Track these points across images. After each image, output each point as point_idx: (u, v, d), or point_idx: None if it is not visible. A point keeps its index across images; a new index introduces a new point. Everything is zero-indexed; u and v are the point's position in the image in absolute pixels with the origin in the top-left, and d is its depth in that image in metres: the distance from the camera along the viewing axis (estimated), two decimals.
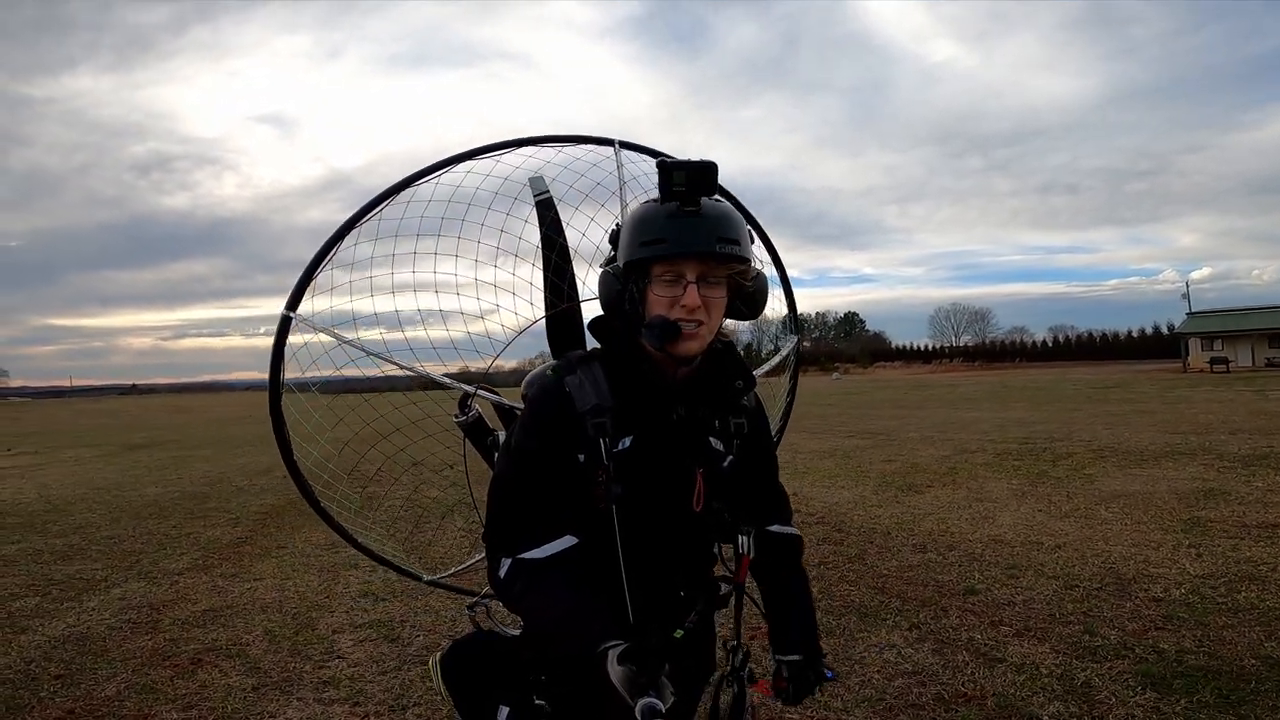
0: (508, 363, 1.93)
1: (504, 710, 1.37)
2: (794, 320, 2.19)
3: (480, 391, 1.76)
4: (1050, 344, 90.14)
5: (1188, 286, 57.30)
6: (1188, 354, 46.97)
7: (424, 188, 1.82)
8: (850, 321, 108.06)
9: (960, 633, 3.89)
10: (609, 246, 1.44)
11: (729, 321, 1.41)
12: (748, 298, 1.36)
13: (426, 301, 1.87)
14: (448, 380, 1.80)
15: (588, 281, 1.80)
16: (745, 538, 1.46)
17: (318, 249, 1.77)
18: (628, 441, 1.32)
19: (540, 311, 1.83)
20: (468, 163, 1.83)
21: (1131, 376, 36.70)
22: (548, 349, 1.79)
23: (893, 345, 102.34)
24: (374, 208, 1.79)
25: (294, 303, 1.78)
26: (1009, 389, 30.03)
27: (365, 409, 2.08)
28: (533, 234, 1.84)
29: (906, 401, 25.49)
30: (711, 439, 1.41)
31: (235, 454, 15.52)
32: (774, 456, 1.60)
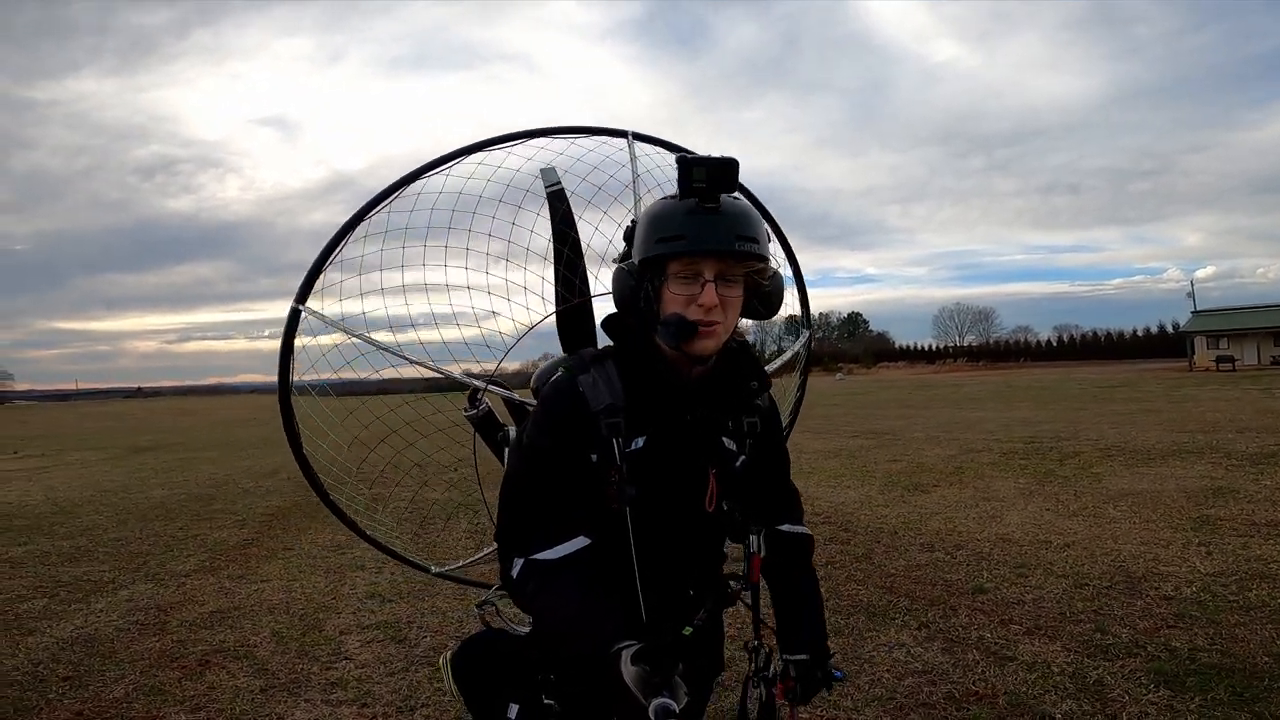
0: (510, 364, 1.91)
1: (514, 708, 1.37)
2: (806, 316, 2.18)
3: (490, 387, 1.74)
4: (1055, 343, 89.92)
5: (1192, 285, 57.56)
6: (1193, 353, 46.80)
7: (434, 180, 1.80)
8: (854, 322, 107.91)
9: (970, 631, 3.87)
10: (623, 242, 1.43)
11: (743, 320, 1.40)
12: (764, 297, 1.35)
13: (435, 299, 1.85)
14: (457, 374, 1.78)
15: (600, 277, 1.78)
16: (756, 537, 1.45)
17: (326, 243, 1.75)
18: (641, 441, 1.30)
19: (545, 310, 1.82)
20: (479, 155, 1.81)
21: (1137, 376, 36.57)
22: (550, 350, 1.77)
23: (896, 345, 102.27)
24: (384, 199, 1.77)
25: (303, 296, 1.77)
26: (1014, 389, 29.95)
27: (372, 410, 2.07)
28: (542, 230, 1.82)
29: (911, 401, 25.43)
30: (724, 439, 1.40)
31: (241, 456, 15.56)
32: (786, 455, 1.59)
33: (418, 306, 1.87)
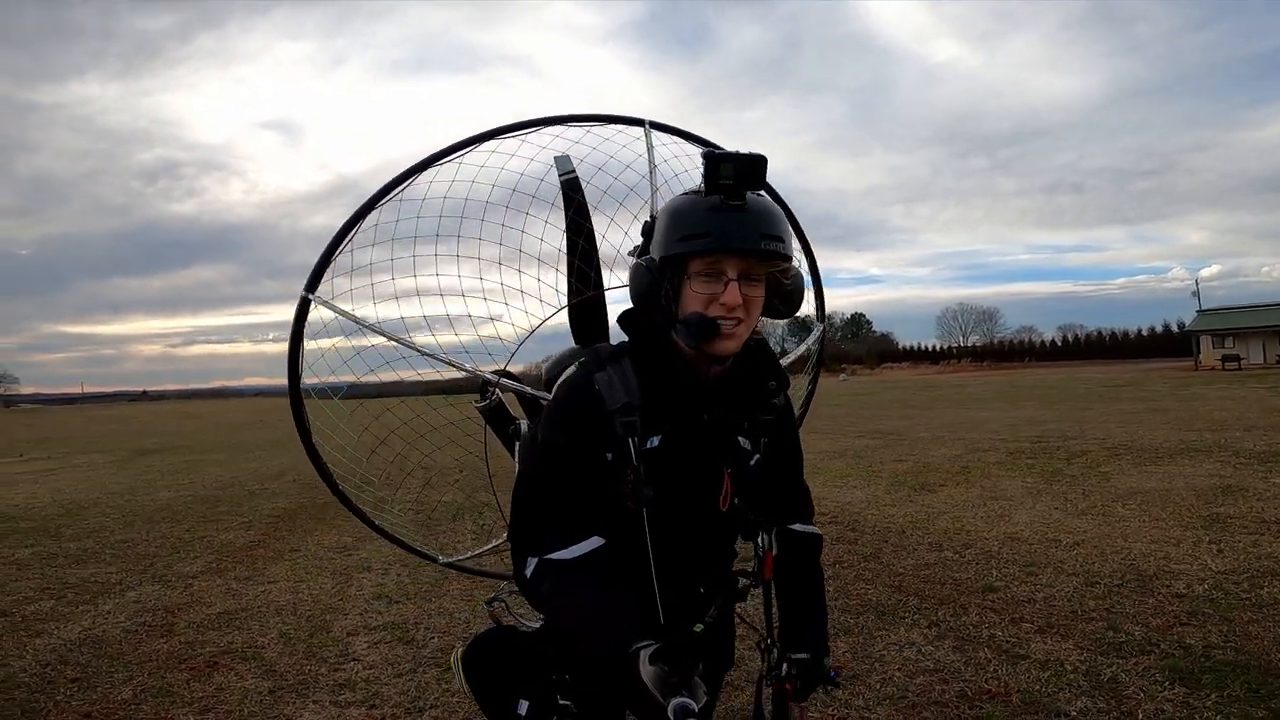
0: (513, 366, 1.89)
1: (524, 704, 1.36)
2: (820, 310, 2.16)
3: (502, 381, 1.72)
4: (1059, 343, 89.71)
5: (1197, 284, 56.77)
6: (1199, 352, 46.59)
7: (446, 168, 1.77)
8: (857, 323, 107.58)
9: (981, 630, 3.84)
10: (640, 236, 1.40)
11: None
12: (785, 295, 1.33)
13: (440, 296, 1.83)
14: (468, 367, 1.76)
15: (614, 270, 1.76)
16: (768, 535, 1.44)
17: (337, 230, 1.72)
18: (656, 440, 1.29)
19: (550, 310, 1.80)
20: (491, 143, 1.77)
21: (1143, 375, 36.44)
22: (553, 353, 1.74)
23: (900, 346, 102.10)
24: (396, 186, 1.74)
25: (313, 284, 1.74)
26: (1019, 388, 29.86)
27: (380, 411, 2.04)
28: (555, 219, 1.79)
29: (915, 402, 25.37)
30: (740, 438, 1.39)
31: (246, 459, 15.58)
32: (800, 454, 1.57)
33: (429, 303, 1.84)
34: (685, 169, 1.91)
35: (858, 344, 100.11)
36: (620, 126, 1.92)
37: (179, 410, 62.00)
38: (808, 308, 2.17)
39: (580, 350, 1.66)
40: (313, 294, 1.73)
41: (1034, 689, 3.14)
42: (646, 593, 1.28)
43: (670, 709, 1.04)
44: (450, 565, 2.11)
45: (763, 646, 1.45)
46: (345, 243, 1.73)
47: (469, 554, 2.13)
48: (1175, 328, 71.44)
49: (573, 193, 1.78)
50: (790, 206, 1.98)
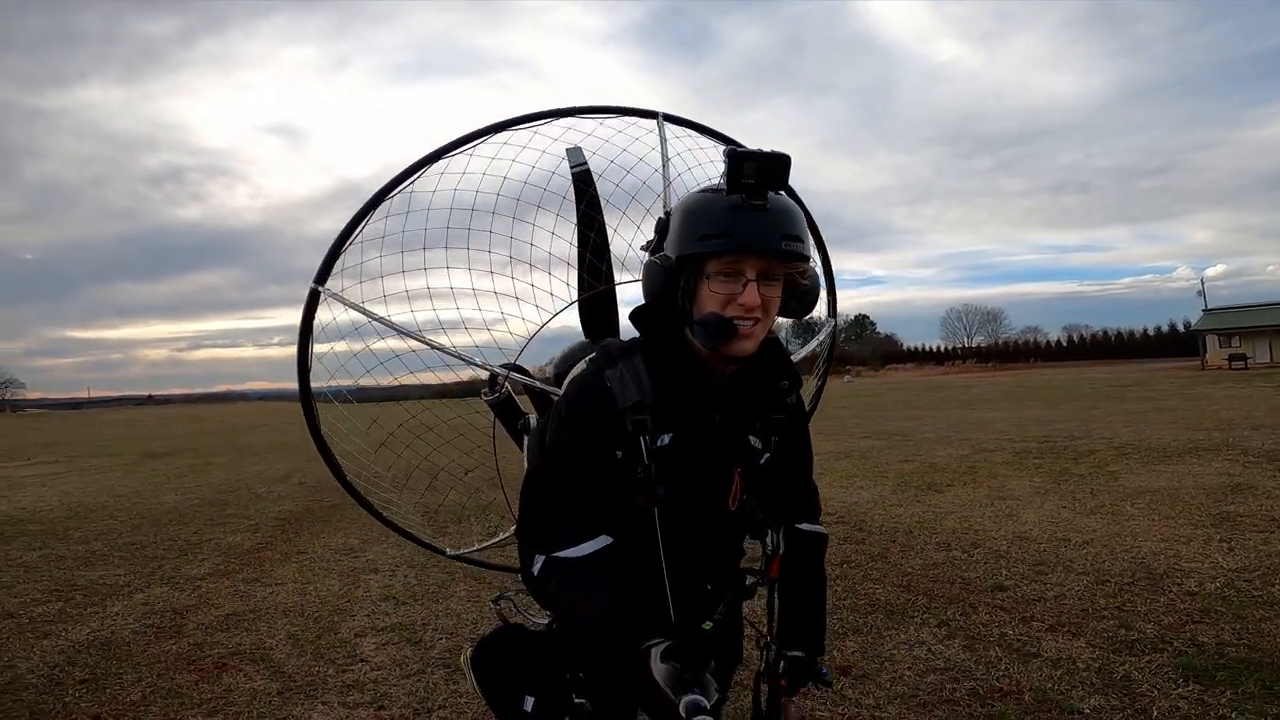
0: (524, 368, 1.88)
1: (530, 700, 1.35)
2: (832, 304, 2.15)
3: (513, 374, 1.71)
4: (1065, 343, 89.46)
5: (1203, 283, 56.70)
6: (1205, 351, 46.43)
7: (457, 160, 1.75)
8: (861, 324, 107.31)
9: (991, 629, 3.82)
10: (654, 233, 1.38)
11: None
12: (802, 295, 1.31)
13: (444, 294, 1.80)
14: (477, 360, 1.75)
15: (626, 263, 1.75)
16: (776, 535, 1.43)
17: (347, 222, 1.71)
18: (667, 439, 1.28)
19: (561, 305, 1.79)
20: (503, 134, 1.76)
21: (1149, 375, 36.29)
22: (556, 357, 1.73)
23: (904, 347, 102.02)
24: (407, 178, 1.73)
25: (322, 276, 1.73)
26: (1025, 389, 29.77)
27: (386, 415, 2.04)
28: (563, 220, 1.79)
29: (921, 402, 25.30)
30: (750, 437, 1.38)
31: (252, 461, 15.61)
32: (810, 453, 1.57)
33: (438, 300, 1.82)
34: (699, 163, 1.89)
35: (862, 345, 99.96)
36: (633, 119, 1.90)
37: (185, 414, 62.14)
38: (815, 309, 2.17)
39: (590, 345, 1.65)
40: (322, 286, 1.72)
41: (1046, 687, 3.12)
42: (657, 591, 1.27)
43: (682, 706, 1.04)
44: (458, 557, 2.10)
45: (761, 644, 1.46)
46: (355, 234, 1.71)
47: (475, 546, 2.11)
48: (1181, 327, 71.28)
49: (585, 185, 1.76)
50: (804, 202, 1.97)
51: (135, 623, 4.64)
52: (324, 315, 1.78)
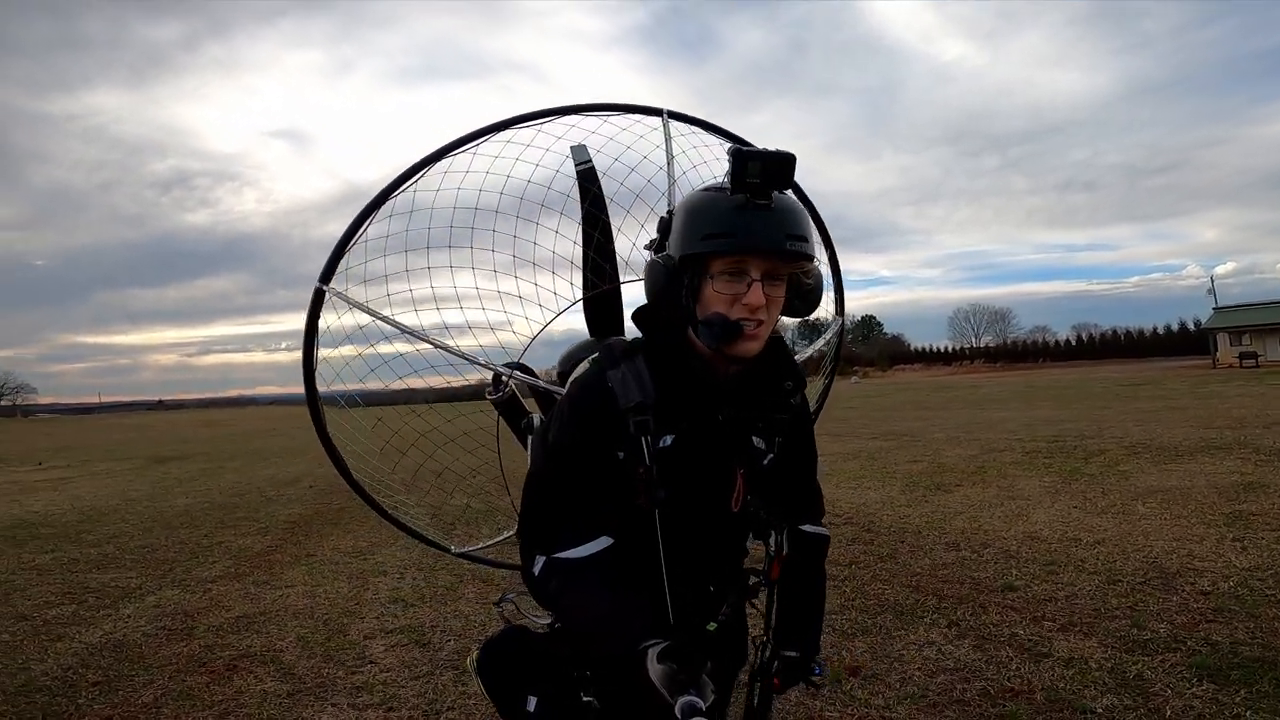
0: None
1: (533, 700, 1.35)
2: (839, 303, 2.14)
3: (516, 374, 1.70)
4: (1074, 343, 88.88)
5: (1212, 281, 56.19)
6: (1216, 349, 46.02)
7: (461, 158, 1.74)
8: (868, 325, 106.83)
9: (1002, 629, 3.80)
10: (656, 231, 1.37)
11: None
12: (806, 294, 1.30)
13: (448, 294, 1.80)
14: (481, 360, 1.74)
15: (630, 261, 1.74)
16: (779, 536, 1.43)
17: (351, 221, 1.71)
18: (669, 439, 1.28)
19: (565, 304, 1.78)
20: (506, 133, 1.75)
21: (1159, 374, 36.01)
22: (558, 359, 1.72)
23: (912, 347, 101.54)
24: (411, 177, 1.72)
25: (327, 276, 1.72)
26: (1034, 388, 29.59)
27: (391, 416, 2.03)
28: (567, 220, 1.78)
29: (929, 403, 25.19)
30: (754, 437, 1.37)
31: (262, 465, 15.69)
32: (815, 453, 1.56)
33: (443, 302, 1.82)
34: (704, 160, 1.87)
35: (869, 346, 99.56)
36: (637, 116, 1.88)
37: (195, 419, 62.58)
38: (821, 309, 2.16)
39: (594, 344, 1.65)
40: (327, 285, 1.71)
41: (1058, 686, 3.10)
42: (657, 592, 1.27)
43: (678, 707, 1.03)
44: (463, 555, 2.09)
45: (758, 644, 1.46)
46: (359, 233, 1.71)
47: (480, 545, 2.11)
48: (1191, 326, 70.65)
49: (589, 183, 1.76)
50: (812, 201, 1.96)
51: (147, 625, 4.68)
52: (329, 315, 1.78)
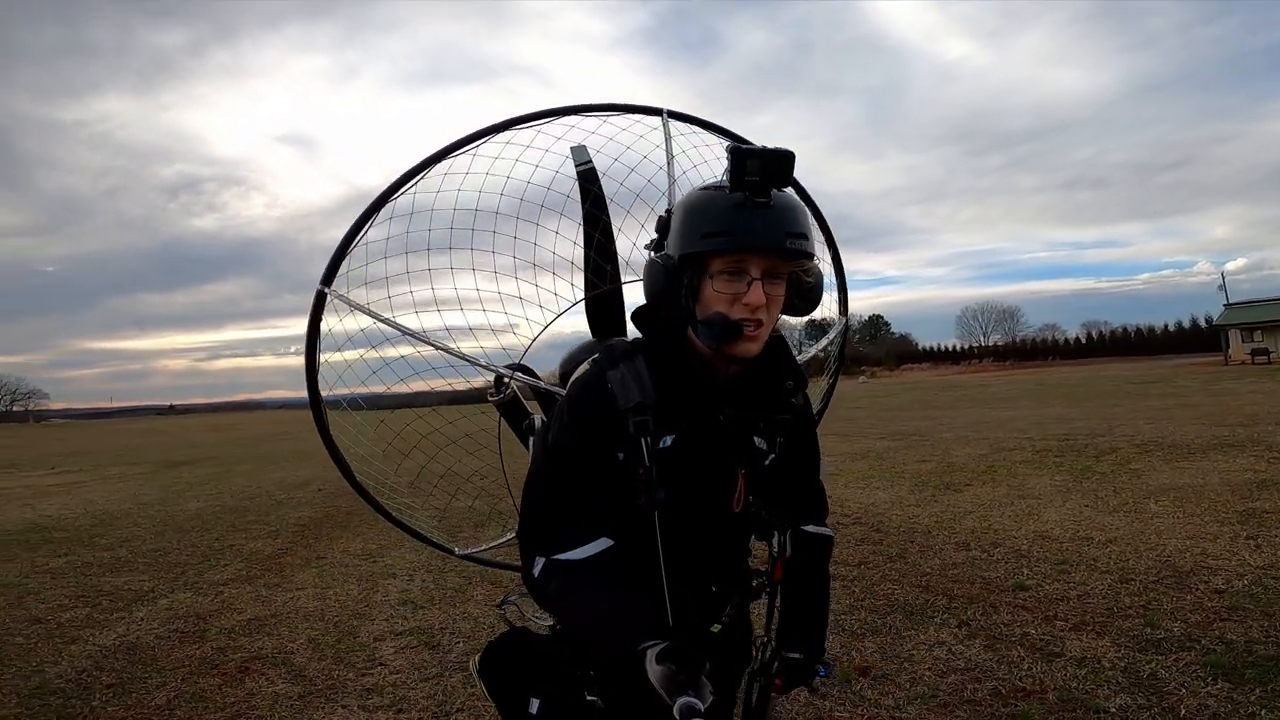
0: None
1: (535, 702, 1.35)
2: (843, 302, 2.13)
3: (518, 375, 1.70)
4: (1084, 341, 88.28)
5: (1223, 278, 55.75)
6: (1228, 346, 45.59)
7: (461, 160, 1.74)
8: (875, 324, 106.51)
9: (1013, 628, 3.78)
10: (655, 231, 1.36)
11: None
12: (806, 293, 1.28)
13: (448, 295, 1.79)
14: (482, 360, 1.74)
15: (630, 261, 1.74)
16: (782, 537, 1.42)
17: (351, 225, 1.72)
18: (669, 440, 1.27)
19: (566, 305, 1.78)
20: (505, 134, 1.75)
21: (1171, 371, 35.72)
22: (557, 364, 1.72)
23: (919, 347, 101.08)
24: (410, 179, 1.72)
25: (328, 278, 1.72)
26: (1044, 387, 29.39)
27: (394, 419, 2.04)
28: (567, 221, 1.78)
29: (937, 402, 25.07)
30: (755, 437, 1.36)
31: (272, 469, 15.78)
32: (817, 453, 1.54)
33: (444, 305, 1.81)
34: (705, 159, 1.87)
35: (876, 346, 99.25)
36: (637, 116, 1.87)
37: (206, 423, 63.01)
38: (826, 309, 2.15)
39: (596, 344, 1.65)
40: (328, 287, 1.71)
41: (1071, 686, 3.08)
42: (657, 593, 1.26)
43: (676, 708, 1.03)
44: (466, 557, 2.09)
45: (758, 644, 1.45)
46: (360, 235, 1.71)
47: (484, 546, 2.11)
48: (1203, 323, 70.11)
49: (589, 184, 1.75)
50: (814, 199, 1.95)
51: (160, 628, 4.71)
52: (330, 318, 1.78)
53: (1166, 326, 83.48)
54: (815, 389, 2.11)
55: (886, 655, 3.56)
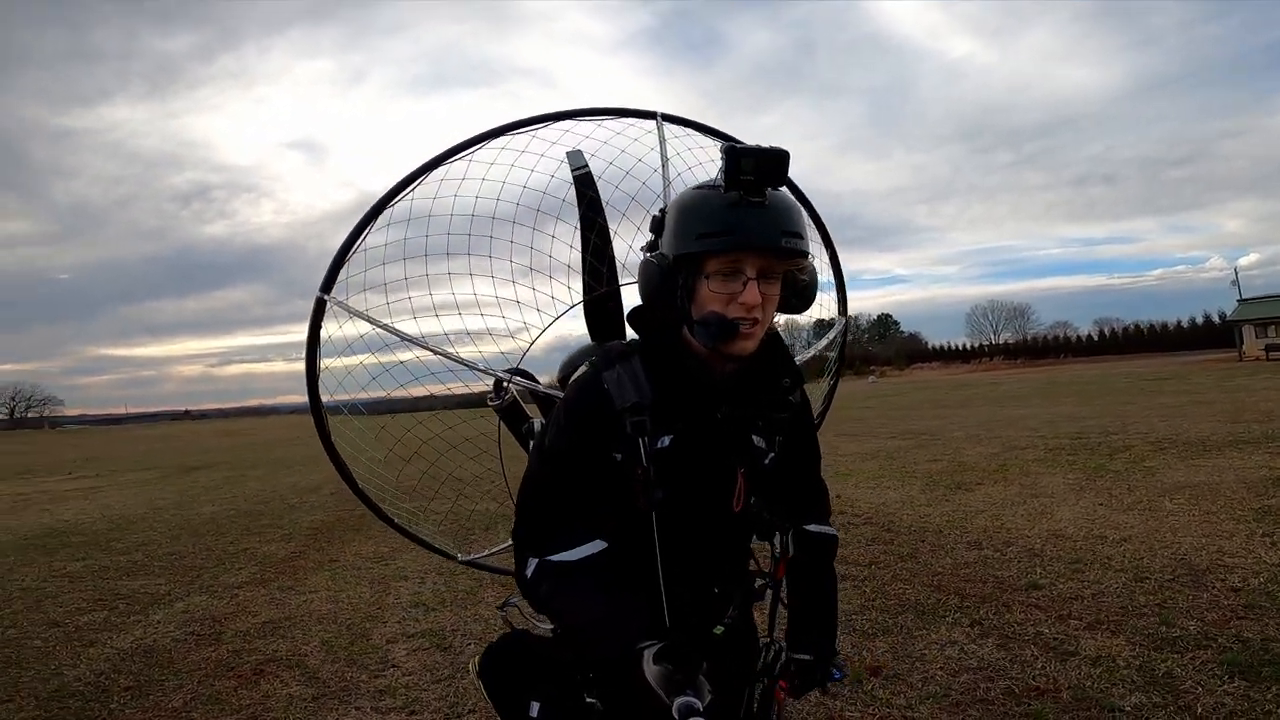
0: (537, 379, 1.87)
1: (535, 705, 1.35)
2: (842, 302, 2.12)
3: (516, 379, 1.70)
4: (1096, 338, 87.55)
5: (1236, 273, 55.22)
6: (1242, 342, 45.07)
7: (456, 166, 1.75)
8: (884, 324, 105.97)
9: (1026, 627, 3.76)
10: (650, 231, 1.36)
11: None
12: (800, 291, 1.28)
13: (450, 300, 1.81)
14: (481, 365, 1.75)
15: (628, 264, 1.73)
16: (784, 536, 1.42)
17: (349, 231, 1.74)
18: (667, 440, 1.26)
19: (563, 308, 1.78)
20: (501, 139, 1.76)
21: (1184, 367, 35.35)
22: (557, 368, 1.73)
23: (929, 346, 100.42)
24: (407, 186, 1.74)
25: (328, 285, 1.74)
26: (1056, 385, 29.15)
27: (396, 424, 2.04)
28: (563, 224, 1.79)
29: (948, 401, 24.92)
30: (754, 436, 1.36)
31: (285, 474, 15.88)
32: (817, 451, 1.54)
33: (443, 310, 1.82)
34: (699, 161, 1.88)
35: (886, 345, 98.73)
36: (632, 120, 1.89)
37: (219, 428, 63.45)
38: (826, 310, 2.14)
39: (595, 347, 1.65)
40: (328, 295, 1.73)
41: (1085, 685, 3.06)
42: (655, 594, 1.26)
43: (675, 708, 1.03)
44: (469, 563, 2.11)
45: (763, 644, 1.44)
46: (359, 242, 1.72)
47: (486, 552, 2.12)
48: (1216, 318, 69.33)
49: (585, 188, 1.76)
50: (810, 198, 1.95)
51: (176, 630, 4.76)
52: (330, 325, 1.80)
53: (1180, 323, 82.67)
54: (816, 390, 2.10)
55: (898, 655, 3.55)
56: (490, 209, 1.80)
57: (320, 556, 6.85)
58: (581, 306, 1.77)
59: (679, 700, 1.03)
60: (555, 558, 1.24)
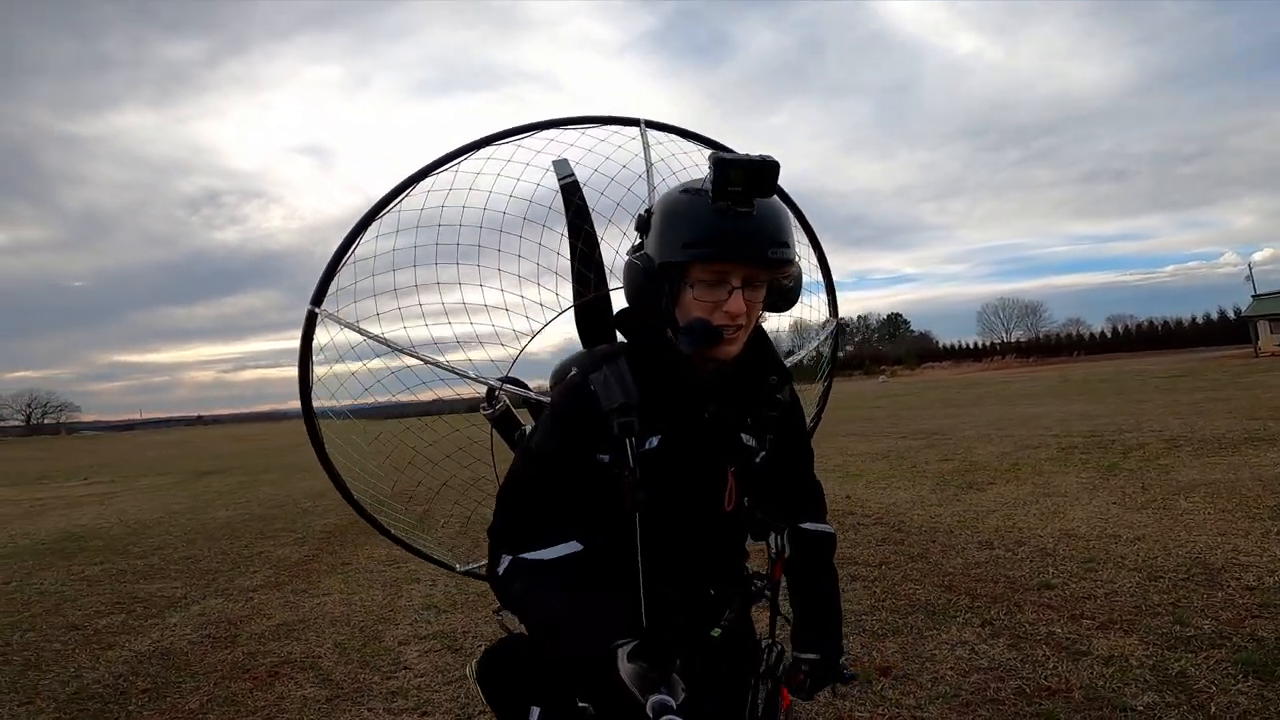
0: (531, 385, 1.89)
1: (535, 711, 1.33)
2: (833, 303, 2.11)
3: (507, 386, 1.71)
4: (1109, 335, 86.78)
5: (1250, 269, 54.34)
6: (1257, 338, 44.51)
7: (443, 177, 1.77)
8: (894, 323, 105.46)
9: (1038, 627, 3.74)
10: (636, 232, 1.35)
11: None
12: (784, 293, 1.29)
13: (441, 316, 1.82)
14: (472, 374, 1.76)
15: (615, 270, 1.74)
16: (779, 536, 1.41)
17: (339, 244, 1.76)
18: (655, 441, 1.26)
19: (552, 315, 1.79)
20: (487, 149, 1.78)
21: (1199, 364, 34.94)
22: (554, 370, 1.74)
23: (940, 344, 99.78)
24: (394, 198, 1.76)
25: (318, 298, 1.76)
26: (1069, 383, 28.89)
27: (390, 432, 2.06)
28: (550, 232, 1.80)
29: (959, 400, 24.77)
30: (743, 435, 1.35)
31: (298, 478, 15.97)
32: (809, 449, 1.53)
33: (433, 320, 1.83)
34: (684, 167, 1.89)
35: (896, 344, 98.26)
36: (616, 127, 1.90)
37: (233, 434, 63.97)
38: (817, 311, 2.14)
39: (586, 353, 1.67)
40: (318, 307, 1.74)
41: (1097, 684, 3.04)
42: (635, 594, 1.25)
43: (649, 706, 1.02)
44: (467, 573, 2.13)
45: (764, 646, 1.44)
46: (348, 255, 1.74)
47: (485, 562, 2.14)
48: (1231, 314, 68.53)
49: (571, 195, 1.76)
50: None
51: (193, 633, 4.82)
52: (322, 336, 1.82)
53: (1194, 319, 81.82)
54: (810, 393, 2.09)
55: (908, 655, 3.54)
56: (478, 218, 1.82)
57: (333, 560, 6.90)
58: (572, 312, 1.78)
59: (653, 699, 1.02)
60: (529, 556, 1.24)
